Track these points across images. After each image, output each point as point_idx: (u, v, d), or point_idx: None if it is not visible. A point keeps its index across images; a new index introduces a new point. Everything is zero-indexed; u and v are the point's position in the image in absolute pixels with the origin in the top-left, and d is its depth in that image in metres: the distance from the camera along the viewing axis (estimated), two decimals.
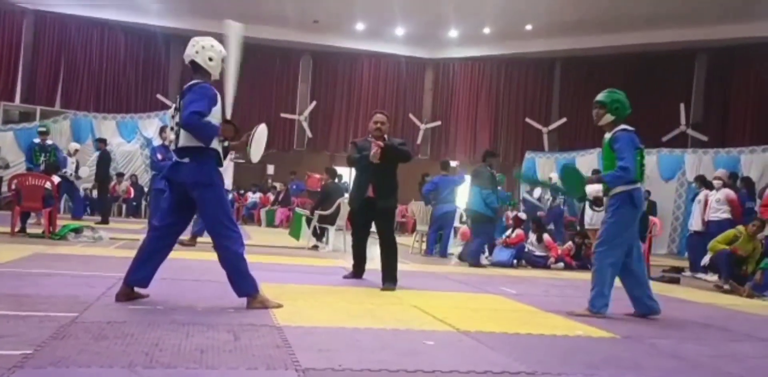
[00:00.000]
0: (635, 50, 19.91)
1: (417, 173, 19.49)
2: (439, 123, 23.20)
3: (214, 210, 4.20)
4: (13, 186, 9.14)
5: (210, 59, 4.24)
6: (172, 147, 4.34)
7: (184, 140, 4.16)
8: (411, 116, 23.05)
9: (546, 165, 19.91)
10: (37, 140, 12.78)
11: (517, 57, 22.21)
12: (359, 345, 3.36)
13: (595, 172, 11.19)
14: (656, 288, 7.70)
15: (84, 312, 3.78)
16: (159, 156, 8.36)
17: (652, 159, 17.77)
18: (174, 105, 4.35)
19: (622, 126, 4.90)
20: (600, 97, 4.99)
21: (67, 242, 8.55)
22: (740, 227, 8.04)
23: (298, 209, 11.66)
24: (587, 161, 18.86)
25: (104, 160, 14.04)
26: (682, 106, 19.44)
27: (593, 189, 4.86)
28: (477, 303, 5.33)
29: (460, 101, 23.52)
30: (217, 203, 4.20)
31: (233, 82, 4.35)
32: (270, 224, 17.36)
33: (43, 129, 13.16)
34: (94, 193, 16.32)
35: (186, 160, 4.20)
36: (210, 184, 4.19)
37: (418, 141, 23.12)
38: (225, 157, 4.35)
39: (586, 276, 8.63)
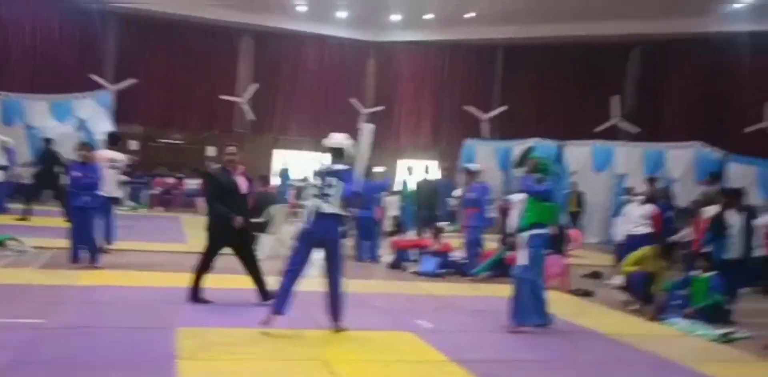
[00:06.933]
0: (574, 41, 20.25)
1: None
2: (382, 108, 23.16)
3: (341, 259, 6.01)
4: None
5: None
6: (320, 210, 5.81)
7: (337, 208, 5.83)
8: (354, 101, 22.88)
9: (486, 153, 20.15)
10: None
11: (459, 43, 22.28)
12: None
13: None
14: (566, 309, 7.88)
15: None
16: (78, 174, 8.18)
17: (585, 151, 18.21)
18: (320, 178, 5.92)
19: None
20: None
21: None
22: (646, 249, 8.35)
23: None
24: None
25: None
26: (615, 98, 19.88)
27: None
28: (389, 351, 5.48)
29: (403, 86, 23.52)
30: (343, 255, 6.10)
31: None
32: None
33: None
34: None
35: (331, 221, 5.85)
36: (342, 241, 6.12)
37: (360, 126, 23.01)
38: None
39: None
